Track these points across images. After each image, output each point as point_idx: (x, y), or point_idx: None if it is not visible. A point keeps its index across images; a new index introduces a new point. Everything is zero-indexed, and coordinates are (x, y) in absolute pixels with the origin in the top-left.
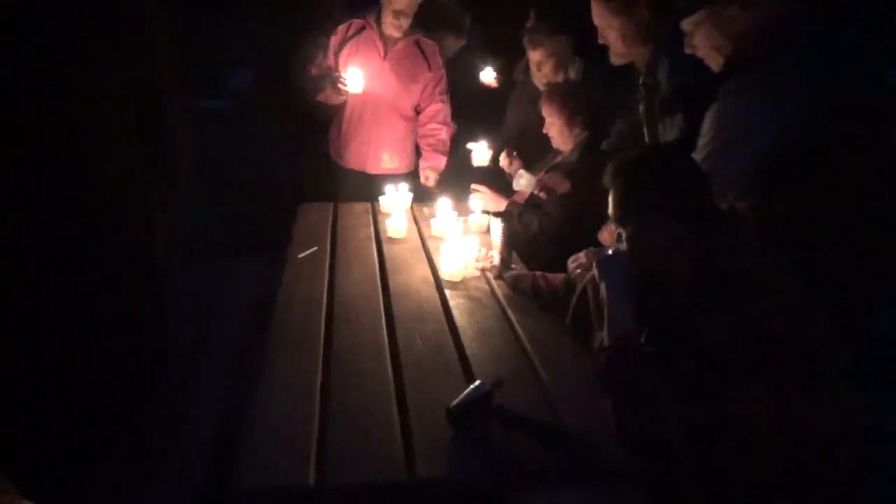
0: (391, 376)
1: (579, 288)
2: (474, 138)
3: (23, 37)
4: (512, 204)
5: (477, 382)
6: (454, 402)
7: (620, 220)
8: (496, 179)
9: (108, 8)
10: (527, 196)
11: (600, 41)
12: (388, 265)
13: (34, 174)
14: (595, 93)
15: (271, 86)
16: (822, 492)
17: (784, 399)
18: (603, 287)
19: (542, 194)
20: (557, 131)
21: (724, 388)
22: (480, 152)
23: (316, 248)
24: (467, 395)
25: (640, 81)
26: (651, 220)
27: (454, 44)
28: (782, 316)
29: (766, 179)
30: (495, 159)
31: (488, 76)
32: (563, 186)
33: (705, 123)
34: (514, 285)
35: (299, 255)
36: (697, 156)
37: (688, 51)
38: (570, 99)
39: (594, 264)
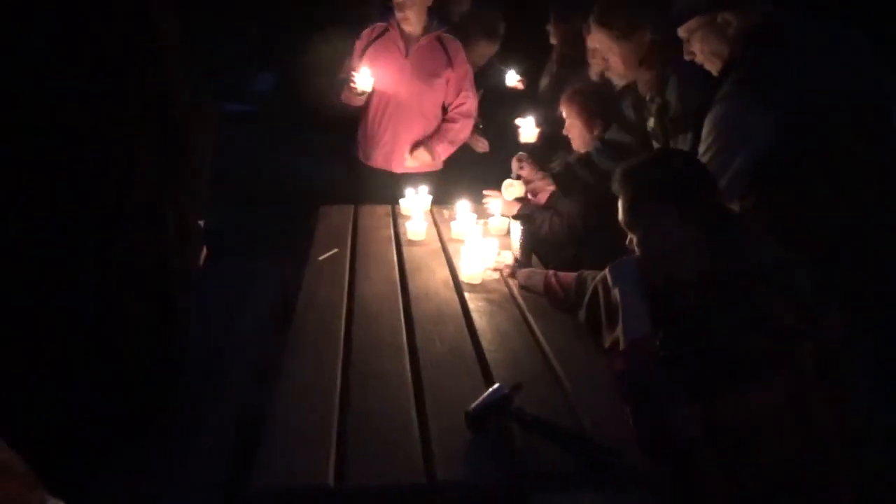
0: (410, 378)
1: (590, 287)
2: (500, 142)
3: (24, 36)
4: (524, 206)
5: (496, 385)
6: (473, 406)
7: (629, 225)
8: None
9: (111, 7)
10: (544, 199)
11: (599, 61)
12: (408, 267)
13: (38, 175)
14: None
15: (293, 88)
16: (841, 490)
17: (800, 397)
18: (616, 292)
19: (531, 199)
20: (577, 133)
21: (739, 388)
22: (528, 128)
23: (336, 250)
24: (486, 398)
25: (649, 97)
26: (659, 224)
27: (487, 50)
28: (795, 313)
29: (765, 179)
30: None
31: (512, 79)
32: (548, 190)
33: (705, 128)
34: (527, 283)
35: (319, 258)
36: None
37: (686, 57)
38: (590, 101)
39: (606, 270)
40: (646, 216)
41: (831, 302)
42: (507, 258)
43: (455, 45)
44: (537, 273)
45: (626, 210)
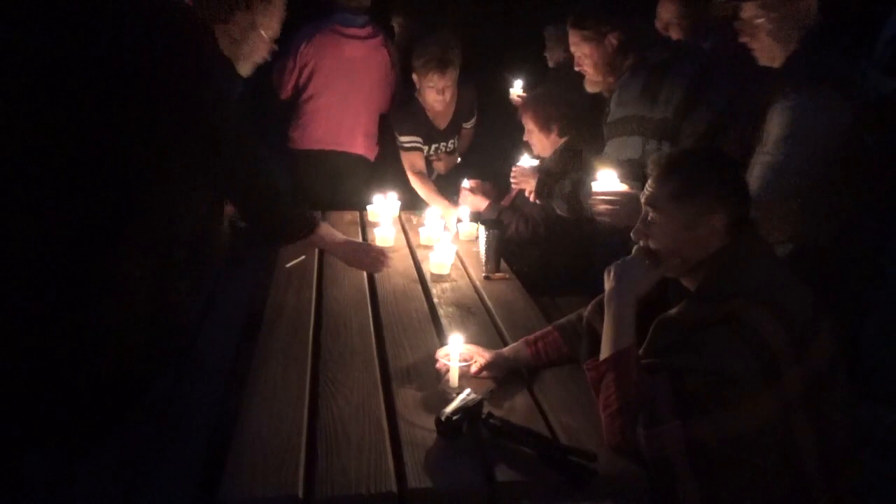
0: (380, 386)
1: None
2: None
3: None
4: (492, 210)
5: (466, 391)
6: (444, 412)
7: (658, 209)
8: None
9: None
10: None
11: (577, 68)
12: (377, 274)
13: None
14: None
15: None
16: None
17: (783, 419)
18: (612, 291)
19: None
20: (536, 139)
21: (722, 407)
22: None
23: (304, 256)
24: (457, 404)
25: None
26: (699, 226)
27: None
28: (787, 337)
29: None
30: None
31: (517, 90)
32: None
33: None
34: (506, 367)
35: (287, 265)
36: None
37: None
38: (541, 108)
39: (607, 270)
40: (689, 212)
41: (823, 322)
42: (479, 354)
43: None
44: (508, 352)
45: (665, 196)
